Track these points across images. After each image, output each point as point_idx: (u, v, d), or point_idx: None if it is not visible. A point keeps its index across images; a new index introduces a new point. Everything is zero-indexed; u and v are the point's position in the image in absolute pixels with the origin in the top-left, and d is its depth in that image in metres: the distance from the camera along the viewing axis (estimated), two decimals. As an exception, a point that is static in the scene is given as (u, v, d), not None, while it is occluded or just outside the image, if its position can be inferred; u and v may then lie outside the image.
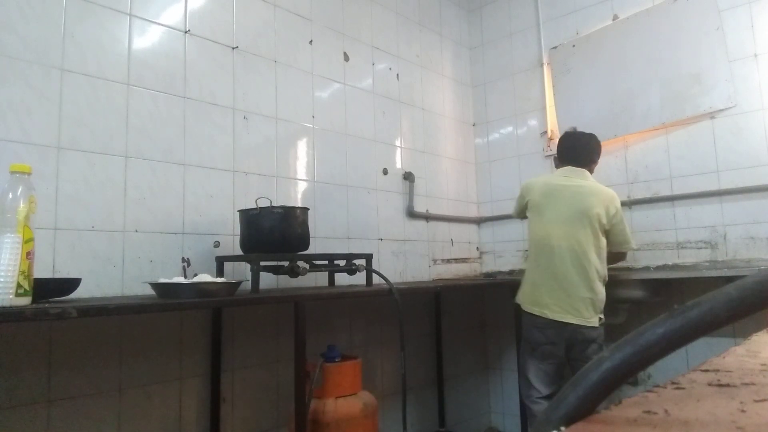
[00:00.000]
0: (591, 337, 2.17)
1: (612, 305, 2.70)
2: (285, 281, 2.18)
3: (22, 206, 1.20)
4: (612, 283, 2.66)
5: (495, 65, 3.55)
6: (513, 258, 3.35)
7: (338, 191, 2.59)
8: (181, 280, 1.63)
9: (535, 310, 2.25)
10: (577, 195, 2.24)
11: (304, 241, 1.99)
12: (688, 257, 2.63)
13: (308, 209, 2.06)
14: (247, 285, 1.80)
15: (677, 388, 0.39)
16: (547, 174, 2.70)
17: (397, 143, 2.99)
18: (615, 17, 2.97)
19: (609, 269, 2.28)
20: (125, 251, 1.81)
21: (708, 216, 2.59)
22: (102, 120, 1.80)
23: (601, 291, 2.21)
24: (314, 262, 2.02)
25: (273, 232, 1.87)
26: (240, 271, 2.09)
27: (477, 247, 3.50)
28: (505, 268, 3.35)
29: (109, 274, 1.76)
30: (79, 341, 1.67)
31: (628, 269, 2.71)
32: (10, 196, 1.20)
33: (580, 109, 3.05)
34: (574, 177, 2.31)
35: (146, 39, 1.95)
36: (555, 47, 3.22)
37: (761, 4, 2.51)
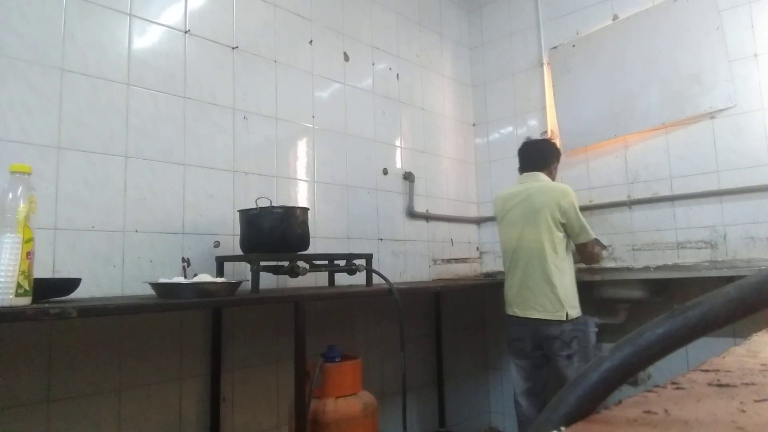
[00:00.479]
0: (556, 332, 2.24)
1: (612, 305, 2.71)
2: (285, 281, 2.18)
3: (22, 206, 1.20)
4: (612, 283, 2.65)
5: (495, 65, 3.55)
6: (513, 258, 3.34)
7: (338, 191, 2.59)
8: (181, 280, 1.63)
9: (509, 311, 2.43)
10: (528, 197, 2.38)
11: (304, 241, 1.99)
12: (688, 257, 2.63)
13: (308, 209, 2.06)
14: (247, 285, 1.80)
15: (677, 388, 0.39)
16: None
17: (397, 143, 2.99)
18: (615, 17, 2.97)
19: (606, 270, 2.30)
20: (125, 251, 1.81)
21: (708, 216, 2.59)
22: (102, 120, 1.80)
23: (564, 284, 2.28)
24: (314, 262, 2.02)
25: (273, 232, 1.87)
26: (240, 271, 2.09)
27: (477, 247, 3.51)
28: (505, 268, 3.35)
29: (109, 274, 1.76)
30: (79, 341, 1.67)
31: (629, 269, 2.71)
32: (10, 196, 1.20)
33: (580, 109, 3.05)
34: (527, 181, 2.46)
35: (146, 39, 1.95)
36: (555, 47, 3.22)
37: (761, 4, 2.51)
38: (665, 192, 2.73)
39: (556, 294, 2.25)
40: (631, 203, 2.84)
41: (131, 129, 1.87)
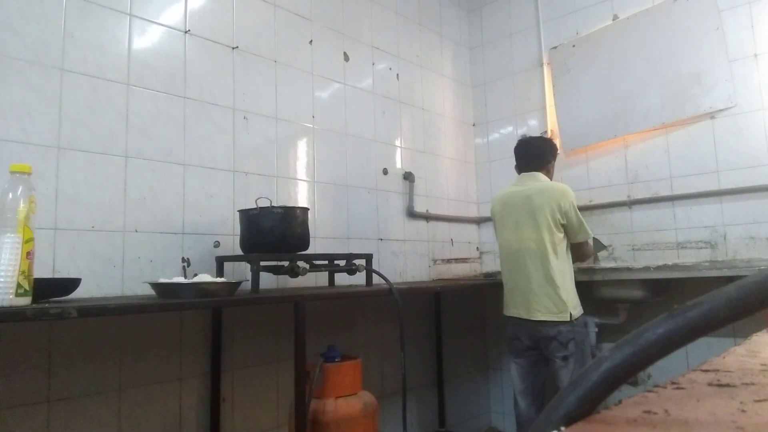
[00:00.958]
0: (552, 333, 2.24)
1: (612, 305, 2.71)
2: (285, 281, 2.18)
3: (22, 206, 1.20)
4: (612, 283, 2.65)
5: (495, 65, 3.55)
6: (513, 258, 3.34)
7: (338, 191, 2.59)
8: (181, 280, 1.63)
9: (510, 312, 2.41)
10: (527, 198, 2.36)
11: (304, 241, 1.99)
12: (688, 257, 2.63)
13: (308, 209, 2.06)
14: (247, 285, 1.80)
15: (677, 388, 0.39)
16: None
17: (397, 143, 2.99)
18: (615, 17, 2.97)
19: (606, 270, 2.30)
20: (125, 251, 1.81)
21: (708, 216, 2.59)
22: (102, 120, 1.80)
23: (565, 285, 2.28)
24: (314, 262, 2.02)
25: (273, 232, 1.87)
26: (240, 271, 2.09)
27: (477, 247, 3.51)
28: (505, 268, 3.35)
29: (109, 274, 1.76)
30: (79, 341, 1.67)
31: (629, 269, 2.71)
32: (10, 196, 1.20)
33: (580, 109, 3.05)
34: (525, 182, 2.44)
35: (146, 39, 1.95)
36: (555, 47, 3.22)
37: (761, 4, 2.51)
38: (665, 192, 2.73)
39: (559, 295, 2.25)
40: (631, 203, 2.84)
41: (131, 129, 1.87)
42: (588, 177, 3.02)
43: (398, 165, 2.97)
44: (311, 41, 2.56)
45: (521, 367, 2.41)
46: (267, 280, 2.07)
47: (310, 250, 2.06)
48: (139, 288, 1.79)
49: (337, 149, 2.62)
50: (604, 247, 2.90)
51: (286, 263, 1.87)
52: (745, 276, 0.33)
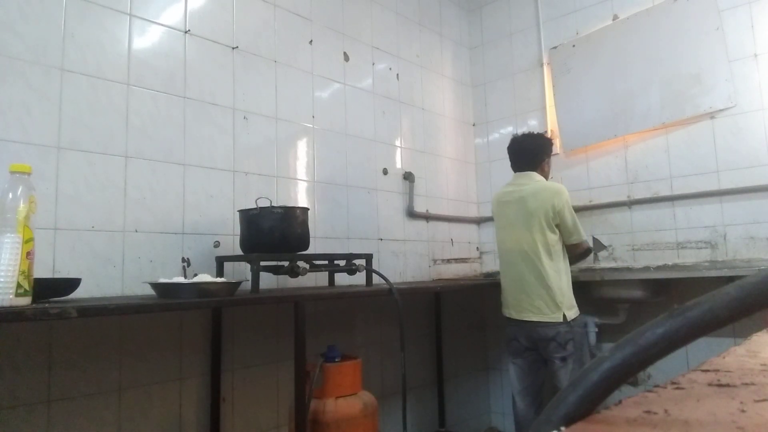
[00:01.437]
0: (551, 334, 2.24)
1: (612, 305, 2.71)
2: (285, 281, 2.18)
3: (22, 206, 1.20)
4: (612, 283, 2.65)
5: (495, 65, 3.55)
6: (513, 258, 3.34)
7: (338, 191, 2.59)
8: (181, 280, 1.63)
9: (505, 312, 2.43)
10: (521, 199, 2.37)
11: (304, 241, 1.99)
12: (688, 257, 2.63)
13: (308, 209, 2.06)
14: (247, 285, 1.80)
15: (677, 388, 0.39)
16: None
17: (397, 143, 2.99)
18: (615, 17, 2.97)
19: (606, 270, 2.30)
20: (125, 251, 1.81)
21: (708, 216, 2.59)
22: (102, 120, 1.80)
23: (561, 285, 2.27)
24: (314, 262, 2.02)
25: (273, 232, 1.87)
26: (240, 271, 2.09)
27: (477, 247, 3.51)
28: (505, 268, 3.35)
29: (109, 274, 1.76)
30: (79, 341, 1.67)
31: (629, 269, 2.71)
32: (10, 196, 1.20)
33: (580, 109, 3.05)
34: (520, 182, 2.44)
35: (146, 39, 1.95)
36: (555, 47, 3.22)
37: (761, 4, 2.51)
38: (665, 192, 2.73)
39: (551, 296, 2.25)
40: (631, 203, 2.84)
41: (131, 129, 1.87)
42: (588, 177, 3.02)
43: (398, 165, 2.97)
44: (311, 41, 2.56)
45: (519, 368, 2.41)
46: (267, 280, 2.07)
47: (310, 250, 2.06)
48: (139, 288, 1.79)
49: (337, 149, 2.62)
50: (604, 247, 2.90)
51: (286, 263, 1.87)
52: (745, 276, 0.33)
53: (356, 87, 2.77)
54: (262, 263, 1.83)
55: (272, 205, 1.91)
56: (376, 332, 2.68)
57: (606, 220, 2.93)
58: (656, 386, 0.39)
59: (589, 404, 0.31)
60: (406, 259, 2.93)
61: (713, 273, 2.29)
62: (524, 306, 2.31)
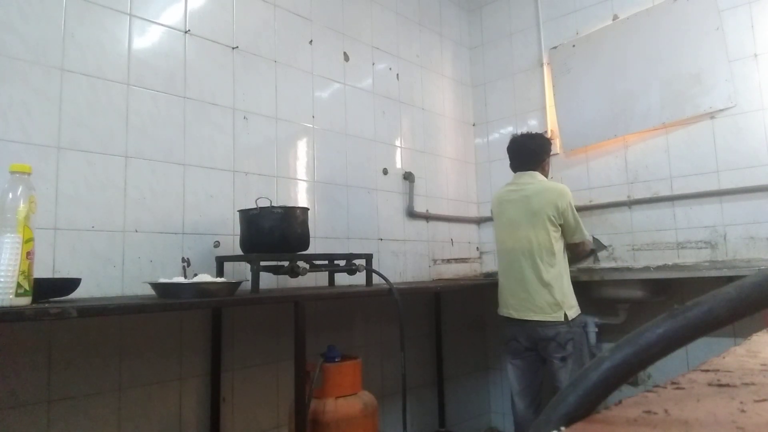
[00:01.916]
0: (551, 334, 2.24)
1: (612, 305, 2.71)
2: (285, 281, 2.18)
3: (22, 206, 1.20)
4: (612, 283, 2.65)
5: (495, 65, 3.55)
6: (513, 258, 3.34)
7: (338, 191, 2.59)
8: (181, 280, 1.63)
9: (504, 312, 2.41)
10: (525, 198, 2.37)
11: (304, 241, 1.99)
12: (688, 257, 2.63)
13: (308, 209, 2.06)
14: (247, 285, 1.80)
15: (677, 388, 0.39)
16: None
17: (397, 143, 2.99)
18: (615, 17, 2.97)
19: (606, 270, 2.30)
20: (125, 251, 1.81)
21: (708, 216, 2.59)
22: (102, 120, 1.80)
23: (561, 285, 2.27)
24: (314, 262, 2.02)
25: (273, 232, 1.87)
26: (240, 271, 2.09)
27: (477, 247, 3.51)
28: (505, 268, 3.35)
29: (109, 274, 1.76)
30: (79, 341, 1.67)
31: (629, 269, 2.71)
32: (10, 196, 1.20)
33: (580, 109, 3.05)
34: (523, 181, 2.43)
35: (146, 39, 1.95)
36: (555, 47, 3.22)
37: (761, 4, 2.51)
38: (665, 192, 2.73)
39: (553, 295, 2.25)
40: (631, 203, 2.84)
41: (131, 129, 1.87)
42: (588, 177, 3.02)
43: (398, 165, 2.97)
44: (311, 41, 2.56)
45: (518, 368, 2.40)
46: (267, 280, 2.07)
47: (310, 250, 2.06)
48: (139, 288, 1.79)
49: (337, 149, 2.62)
50: (604, 247, 2.90)
51: (286, 263, 1.87)
52: (745, 276, 0.33)
53: (356, 87, 2.77)
54: (262, 263, 1.83)
55: (272, 205, 1.91)
56: (376, 332, 2.68)
57: (606, 220, 2.93)
58: (656, 386, 0.39)
59: (589, 404, 0.31)
60: (406, 259, 2.93)
61: (713, 273, 2.29)
62: (525, 305, 2.30)
